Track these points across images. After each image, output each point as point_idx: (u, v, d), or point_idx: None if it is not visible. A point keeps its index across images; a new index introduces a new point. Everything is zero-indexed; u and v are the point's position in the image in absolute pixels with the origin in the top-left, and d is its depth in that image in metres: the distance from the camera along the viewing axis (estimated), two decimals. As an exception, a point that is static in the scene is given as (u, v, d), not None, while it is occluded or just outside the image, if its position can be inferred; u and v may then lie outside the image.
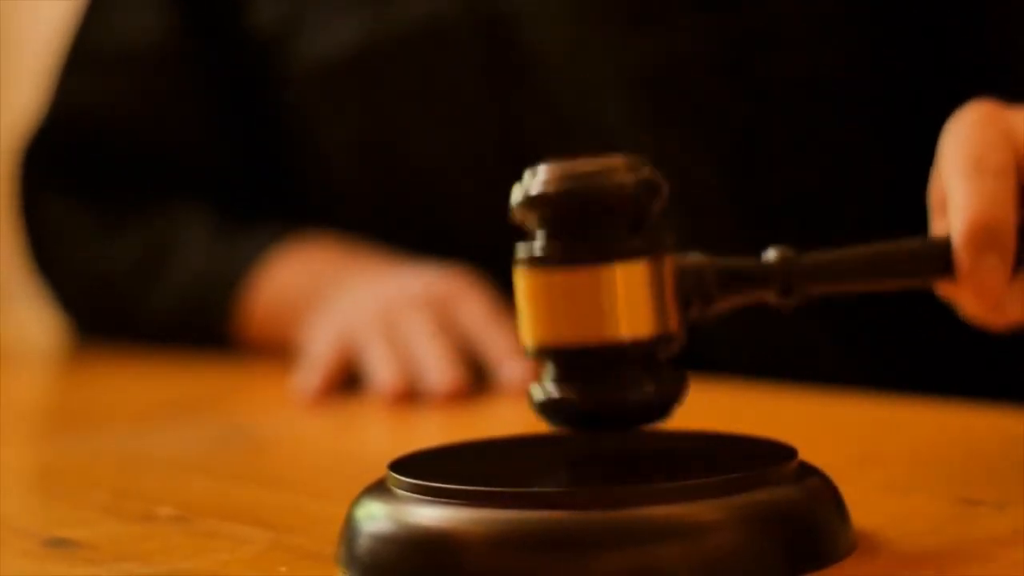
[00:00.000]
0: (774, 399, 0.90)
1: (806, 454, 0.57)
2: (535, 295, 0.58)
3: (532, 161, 0.59)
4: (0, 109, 1.87)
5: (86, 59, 1.23)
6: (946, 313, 1.02)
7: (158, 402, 1.02)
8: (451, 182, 1.12)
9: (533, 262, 0.58)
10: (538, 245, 0.58)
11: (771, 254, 0.62)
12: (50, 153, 1.23)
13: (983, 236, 0.63)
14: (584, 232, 0.57)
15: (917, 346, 1.06)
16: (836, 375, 0.97)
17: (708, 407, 0.89)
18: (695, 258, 0.60)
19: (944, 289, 0.69)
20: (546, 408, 0.59)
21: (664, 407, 0.59)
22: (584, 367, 0.58)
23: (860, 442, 0.77)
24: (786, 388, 0.91)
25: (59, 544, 0.63)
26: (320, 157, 1.18)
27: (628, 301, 0.57)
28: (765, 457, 0.56)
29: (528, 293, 0.58)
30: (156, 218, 1.19)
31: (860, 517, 0.57)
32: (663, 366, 0.59)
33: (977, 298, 0.64)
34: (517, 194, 0.58)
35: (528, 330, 0.58)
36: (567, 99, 1.06)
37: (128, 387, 1.08)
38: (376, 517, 0.54)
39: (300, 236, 1.14)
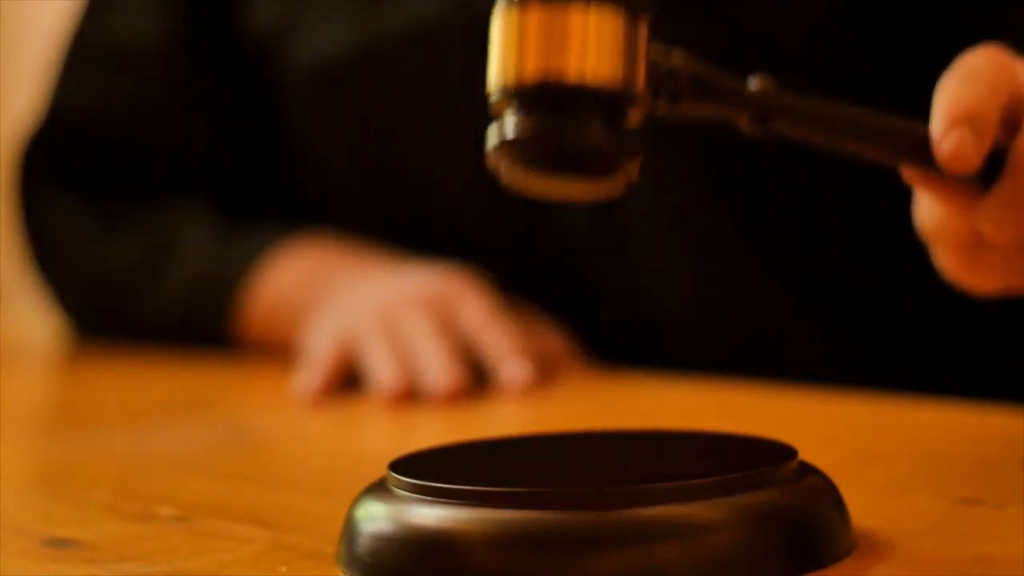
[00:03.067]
0: (774, 399, 0.90)
1: (806, 454, 0.57)
2: (509, 29, 0.58)
3: None
4: (0, 109, 1.87)
5: (86, 59, 1.23)
6: (946, 313, 1.02)
7: (158, 402, 1.02)
8: (446, 182, 1.12)
9: (507, 1, 0.58)
10: None
11: (754, 82, 0.62)
12: (50, 153, 1.23)
13: (961, 116, 0.63)
14: None
15: (917, 346, 1.06)
16: (835, 376, 0.97)
17: (708, 407, 0.89)
18: (676, 56, 0.60)
19: (923, 188, 0.69)
20: (500, 146, 0.58)
21: (615, 157, 0.58)
22: (544, 102, 0.57)
23: (860, 442, 0.77)
24: (786, 388, 0.91)
25: (59, 544, 0.63)
26: (317, 157, 1.18)
27: (597, 44, 0.57)
28: (765, 457, 0.56)
29: (503, 29, 0.58)
30: (156, 218, 1.19)
31: (860, 517, 0.57)
32: (624, 124, 0.58)
33: (949, 167, 0.63)
34: None
35: (497, 70, 0.58)
36: None
37: (128, 387, 1.08)
38: (376, 517, 0.54)
39: (300, 236, 1.14)
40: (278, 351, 1.08)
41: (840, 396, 0.88)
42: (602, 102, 0.58)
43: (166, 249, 1.17)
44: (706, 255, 1.06)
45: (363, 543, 0.54)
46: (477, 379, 0.95)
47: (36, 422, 1.04)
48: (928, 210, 0.71)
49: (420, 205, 1.14)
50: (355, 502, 0.56)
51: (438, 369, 0.93)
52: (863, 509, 0.58)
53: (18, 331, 1.46)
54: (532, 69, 0.57)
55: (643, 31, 0.58)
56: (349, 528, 0.55)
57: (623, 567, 0.51)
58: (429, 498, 0.53)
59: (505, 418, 0.92)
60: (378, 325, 0.98)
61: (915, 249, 0.77)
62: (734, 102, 0.62)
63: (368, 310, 1.01)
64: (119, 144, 1.21)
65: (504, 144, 0.59)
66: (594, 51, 0.57)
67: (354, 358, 0.98)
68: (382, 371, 0.95)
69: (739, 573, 0.51)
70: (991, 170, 0.66)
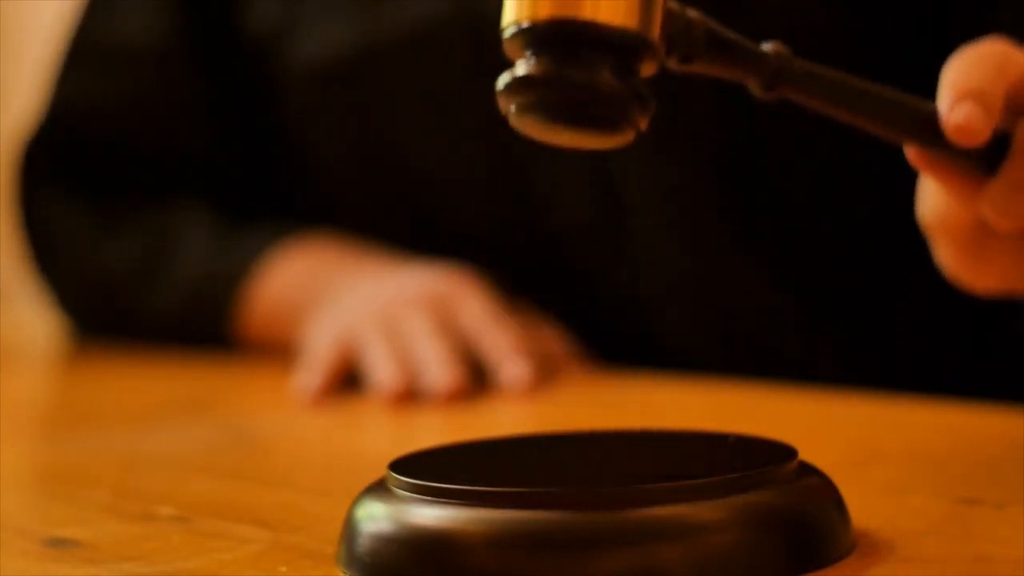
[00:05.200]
0: (774, 399, 0.90)
1: (806, 454, 0.57)
2: None
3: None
4: (0, 109, 1.87)
5: (86, 59, 1.23)
6: (946, 313, 1.02)
7: (158, 402, 1.02)
8: (446, 182, 1.12)
9: None
10: None
11: (767, 45, 0.62)
12: (50, 153, 1.23)
13: (968, 92, 0.63)
14: None
15: (917, 346, 1.06)
16: (835, 376, 0.97)
17: (708, 407, 0.89)
18: (693, 12, 0.60)
19: (931, 201, 0.69)
20: (509, 87, 0.57)
21: (625, 106, 0.57)
22: (556, 44, 0.56)
23: (860, 442, 0.77)
24: (786, 388, 0.91)
25: (59, 544, 0.63)
26: (317, 157, 1.18)
27: None
28: (765, 457, 0.56)
29: None
30: (156, 218, 1.19)
31: (860, 517, 0.57)
32: (637, 73, 0.58)
33: (957, 138, 0.63)
34: None
35: (510, 7, 0.57)
36: None
37: (128, 387, 1.08)
38: (376, 517, 0.54)
39: (300, 236, 1.14)
40: (278, 351, 1.08)
41: (840, 396, 0.88)
42: (615, 48, 0.57)
43: (166, 249, 1.17)
44: (707, 255, 1.06)
45: (363, 543, 0.54)
46: (477, 379, 0.95)
47: (36, 422, 1.04)
48: (932, 201, 0.71)
49: (420, 205, 1.14)
50: (355, 502, 0.56)
51: (438, 369, 0.93)
52: (863, 509, 0.58)
53: (18, 331, 1.46)
54: (546, 8, 0.56)
55: None
56: (349, 528, 0.55)
57: (623, 567, 0.51)
58: (429, 498, 0.53)
59: (505, 418, 0.92)
60: (378, 325, 0.98)
61: (916, 249, 0.77)
62: (748, 63, 0.62)
63: (368, 310, 1.01)
64: (119, 144, 1.21)
65: (513, 85, 0.58)
66: None
67: (354, 358, 0.98)
68: (382, 371, 0.95)
69: (739, 573, 0.51)
70: (995, 155, 0.66)
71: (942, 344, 1.05)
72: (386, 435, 0.93)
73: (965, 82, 0.64)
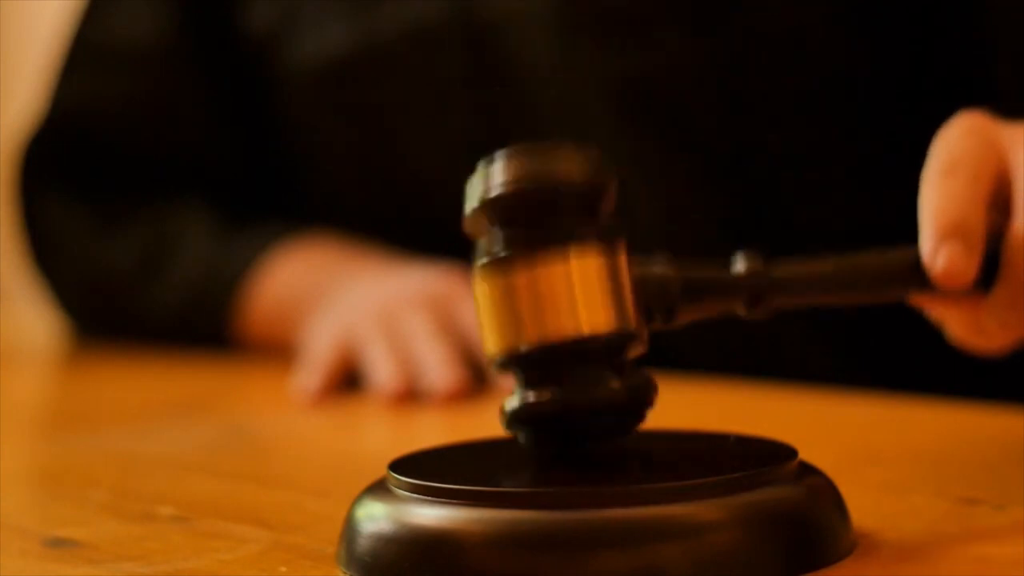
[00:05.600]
0: (774, 399, 0.90)
1: (806, 454, 0.57)
2: (496, 297, 0.56)
3: None
4: (0, 109, 1.87)
5: (86, 59, 1.23)
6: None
7: (158, 402, 1.02)
8: (445, 181, 1.11)
9: (485, 265, 0.56)
10: (488, 247, 0.57)
11: (740, 265, 0.62)
12: (50, 153, 1.23)
13: (949, 228, 0.64)
14: (538, 222, 0.56)
15: (917, 346, 1.06)
16: (835, 376, 0.97)
17: (709, 407, 0.89)
18: (659, 267, 0.59)
19: (929, 307, 0.69)
20: (512, 419, 0.57)
21: (633, 407, 0.58)
22: (547, 367, 0.56)
23: (860, 442, 0.77)
24: (786, 388, 0.91)
25: (59, 544, 0.63)
26: (316, 157, 1.18)
27: (584, 293, 0.56)
28: (765, 457, 0.56)
29: (491, 296, 0.57)
30: (156, 217, 1.19)
31: (860, 517, 0.57)
32: (628, 365, 0.58)
33: (944, 284, 0.64)
34: (471, 199, 0.57)
35: (493, 339, 0.57)
36: (551, 109, 1.06)
37: (128, 387, 1.08)
38: (376, 517, 0.54)
39: (300, 235, 1.14)
40: (278, 351, 1.08)
41: (840, 396, 0.88)
42: (603, 351, 0.57)
43: (166, 248, 1.17)
44: (707, 256, 1.06)
45: (363, 543, 0.54)
46: (477, 379, 0.95)
47: (36, 422, 1.04)
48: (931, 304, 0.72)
49: (420, 204, 1.14)
50: (355, 502, 0.56)
51: (438, 369, 0.93)
52: (863, 509, 0.58)
53: (18, 331, 1.46)
54: (530, 337, 0.56)
55: (623, 263, 0.57)
56: (349, 528, 0.55)
57: (623, 567, 0.51)
58: (429, 498, 0.53)
59: (505, 418, 0.92)
60: (378, 325, 0.98)
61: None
62: (726, 295, 0.61)
63: (368, 310, 1.01)
64: (119, 144, 1.21)
65: (517, 421, 0.57)
66: (583, 302, 0.56)
67: (354, 358, 0.98)
68: (382, 371, 0.95)
69: (739, 573, 0.51)
70: (987, 273, 0.66)
71: (942, 344, 1.05)
72: (386, 435, 0.93)
73: (943, 218, 0.64)
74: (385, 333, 0.97)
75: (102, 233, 1.20)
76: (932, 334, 1.05)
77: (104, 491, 0.74)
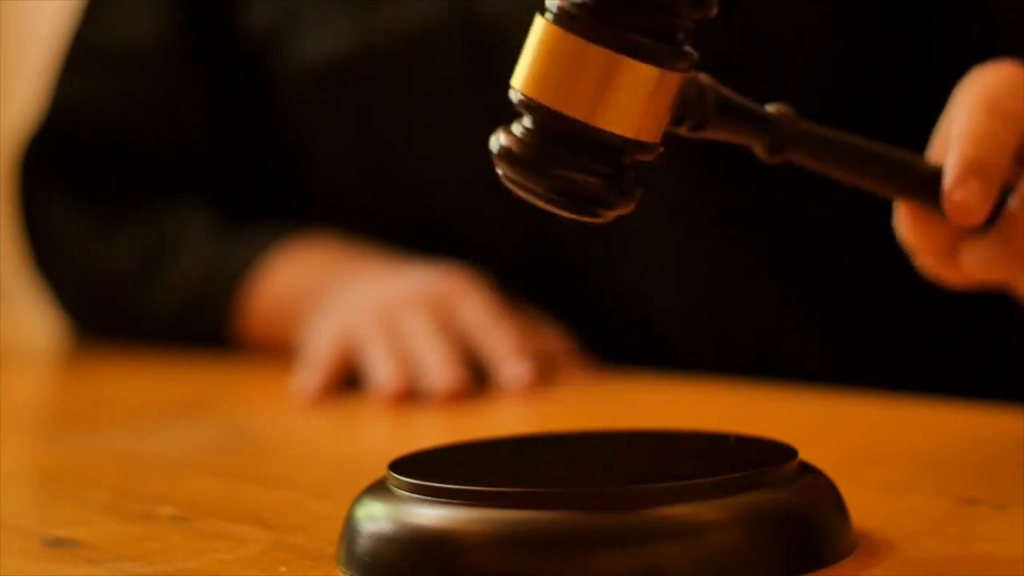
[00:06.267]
0: (774, 399, 0.90)
1: (806, 454, 0.57)
2: (544, 46, 0.57)
3: None
4: (0, 109, 1.87)
5: (85, 59, 1.23)
6: (946, 313, 1.02)
7: (158, 402, 1.02)
8: (445, 182, 1.12)
9: (560, 17, 0.57)
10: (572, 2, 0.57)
11: (773, 107, 0.62)
12: (49, 153, 1.23)
13: (975, 165, 0.64)
14: (620, 17, 0.56)
15: (916, 346, 1.06)
16: (835, 376, 0.97)
17: (708, 407, 0.89)
18: (704, 77, 0.60)
19: (903, 230, 0.69)
20: (499, 156, 0.58)
21: (608, 206, 0.58)
22: (551, 132, 0.57)
23: (860, 442, 0.77)
24: (786, 388, 0.91)
25: (59, 544, 0.63)
26: (316, 157, 1.18)
27: (621, 95, 0.56)
28: (765, 457, 0.56)
29: (541, 40, 0.57)
30: (156, 217, 1.19)
31: (860, 517, 0.57)
32: (627, 168, 0.58)
33: (953, 216, 0.64)
34: None
35: (521, 75, 0.58)
36: None
37: (128, 387, 1.08)
38: (376, 517, 0.54)
39: (300, 235, 1.14)
40: (278, 351, 1.08)
41: (840, 396, 0.88)
42: (608, 149, 0.57)
43: (166, 248, 1.17)
44: (707, 255, 1.06)
45: (363, 543, 0.54)
46: (477, 379, 0.95)
47: (36, 422, 1.04)
48: (910, 223, 0.71)
49: (420, 204, 1.14)
50: (355, 502, 0.56)
51: (438, 369, 0.93)
52: (863, 509, 0.58)
53: (18, 331, 1.46)
54: (550, 95, 0.57)
55: (673, 85, 0.58)
56: (349, 528, 0.55)
57: (623, 567, 0.51)
58: (429, 498, 0.53)
59: (505, 418, 0.92)
60: (378, 325, 0.98)
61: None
62: (756, 127, 0.62)
63: (368, 310, 1.01)
64: (119, 144, 1.21)
65: (502, 157, 0.58)
66: (615, 101, 0.56)
67: (354, 358, 0.98)
68: (382, 371, 0.95)
69: (739, 573, 0.51)
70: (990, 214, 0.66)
71: (941, 344, 1.05)
72: (386, 435, 0.93)
73: (972, 151, 0.64)
74: (385, 333, 0.97)
75: (102, 233, 1.20)
76: (932, 334, 1.05)
77: (104, 491, 0.74)
